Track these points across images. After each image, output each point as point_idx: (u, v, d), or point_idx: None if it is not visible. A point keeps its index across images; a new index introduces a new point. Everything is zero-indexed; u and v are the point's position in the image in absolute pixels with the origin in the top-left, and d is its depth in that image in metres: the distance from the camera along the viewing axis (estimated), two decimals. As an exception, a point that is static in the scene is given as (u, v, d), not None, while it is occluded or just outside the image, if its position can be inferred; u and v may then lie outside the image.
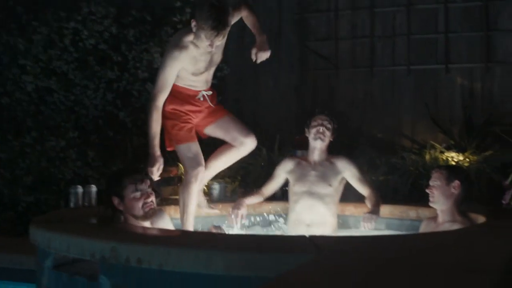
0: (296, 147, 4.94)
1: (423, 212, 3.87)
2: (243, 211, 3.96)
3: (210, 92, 3.70)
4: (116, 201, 3.01)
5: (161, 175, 4.89)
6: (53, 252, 2.77)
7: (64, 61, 5.62)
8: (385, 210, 4.18)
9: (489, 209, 3.50)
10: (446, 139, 4.96)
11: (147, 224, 3.07)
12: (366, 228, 3.70)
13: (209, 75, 3.64)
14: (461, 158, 4.51)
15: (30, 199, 5.29)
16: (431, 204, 3.46)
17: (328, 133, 4.01)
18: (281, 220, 4.17)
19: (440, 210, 3.42)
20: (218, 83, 5.87)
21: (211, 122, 3.70)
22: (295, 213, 4.01)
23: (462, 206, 3.40)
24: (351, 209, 4.26)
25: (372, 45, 5.60)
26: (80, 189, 4.23)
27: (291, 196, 4.07)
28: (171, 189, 4.81)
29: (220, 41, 3.29)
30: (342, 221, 4.19)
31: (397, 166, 4.66)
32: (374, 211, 3.77)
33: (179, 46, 3.38)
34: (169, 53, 3.43)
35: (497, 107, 5.07)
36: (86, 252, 2.51)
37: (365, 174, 4.19)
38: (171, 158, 5.24)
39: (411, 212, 4.01)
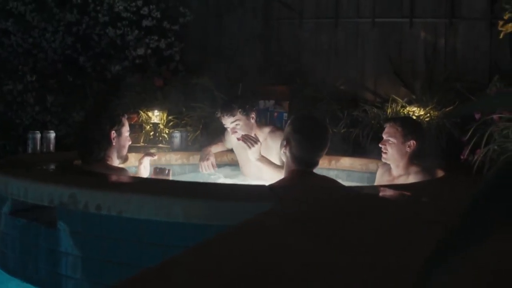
0: (259, 96, 4.91)
1: (383, 165, 3.92)
2: (212, 159, 3.93)
3: None
4: (113, 135, 3.01)
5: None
6: (10, 197, 2.72)
7: (21, 2, 5.44)
8: (346, 162, 4.22)
9: (448, 164, 3.55)
10: (408, 93, 5.00)
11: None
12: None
13: None
14: (422, 113, 4.56)
15: (-13, 144, 5.19)
16: (384, 160, 3.34)
17: None
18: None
19: (394, 166, 3.31)
20: (180, 30, 5.77)
21: None
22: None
23: (416, 160, 3.31)
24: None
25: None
26: (38, 134, 4.16)
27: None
28: (131, 137, 4.75)
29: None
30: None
31: (359, 119, 4.69)
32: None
33: None
34: None
35: (459, 64, 5.10)
36: (44, 198, 2.48)
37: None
38: (132, 106, 5.17)
39: (371, 165, 4.04)
